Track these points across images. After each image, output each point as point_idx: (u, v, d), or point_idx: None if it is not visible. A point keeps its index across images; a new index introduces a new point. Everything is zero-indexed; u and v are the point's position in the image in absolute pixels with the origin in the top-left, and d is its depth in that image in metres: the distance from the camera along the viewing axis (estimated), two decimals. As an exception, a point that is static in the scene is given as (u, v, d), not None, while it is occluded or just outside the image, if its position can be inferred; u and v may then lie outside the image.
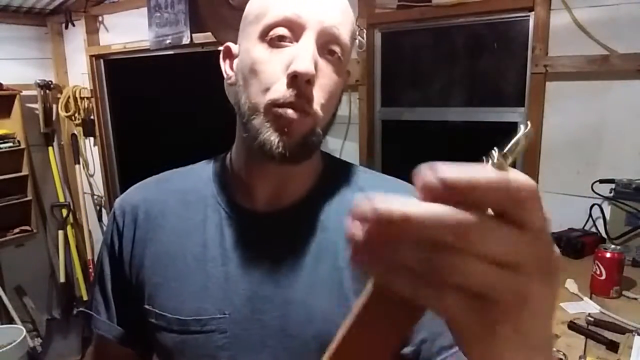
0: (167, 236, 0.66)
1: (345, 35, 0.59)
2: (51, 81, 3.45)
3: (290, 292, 0.61)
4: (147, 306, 0.65)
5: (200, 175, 0.70)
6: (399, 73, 2.38)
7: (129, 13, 3.05)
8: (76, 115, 3.45)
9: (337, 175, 0.68)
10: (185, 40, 2.67)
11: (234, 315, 0.61)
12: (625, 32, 1.68)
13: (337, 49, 0.59)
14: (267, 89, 0.56)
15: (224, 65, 0.65)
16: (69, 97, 3.42)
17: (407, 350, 0.59)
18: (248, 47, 0.59)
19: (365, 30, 2.24)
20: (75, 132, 3.53)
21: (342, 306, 0.60)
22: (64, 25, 3.38)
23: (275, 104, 0.56)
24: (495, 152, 0.25)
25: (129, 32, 3.07)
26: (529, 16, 1.89)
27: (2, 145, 3.13)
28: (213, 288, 0.62)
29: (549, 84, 1.87)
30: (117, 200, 0.72)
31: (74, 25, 3.30)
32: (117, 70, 3.37)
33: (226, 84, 0.66)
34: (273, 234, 0.64)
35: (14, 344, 2.66)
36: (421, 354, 0.58)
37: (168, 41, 2.76)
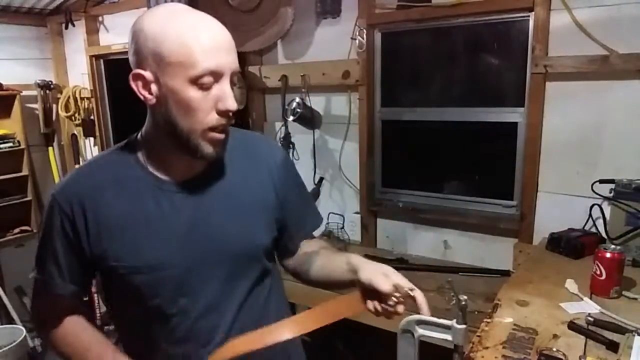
0: (115, 211, 0.88)
1: (237, 64, 0.86)
2: (51, 81, 3.46)
3: (212, 226, 0.92)
4: (114, 263, 0.88)
5: (119, 160, 0.93)
6: (398, 73, 2.38)
7: (129, 13, 3.05)
8: (76, 115, 3.46)
9: (231, 142, 0.92)
10: (185, 41, 2.66)
11: (179, 253, 0.90)
12: (625, 32, 1.68)
13: (237, 78, 0.87)
14: (203, 119, 0.83)
15: (137, 87, 0.85)
16: (69, 97, 3.43)
17: (268, 240, 0.99)
18: (177, 87, 0.81)
19: (365, 30, 2.24)
20: (75, 132, 3.53)
21: (246, 225, 0.95)
22: (64, 25, 3.39)
23: (211, 129, 0.84)
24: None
25: (129, 32, 3.06)
26: (529, 16, 1.89)
27: (2, 145, 3.13)
28: (161, 239, 0.89)
29: (549, 84, 1.87)
30: (56, 195, 0.90)
31: (74, 25, 3.30)
32: (117, 71, 3.37)
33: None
34: (191, 193, 0.92)
35: (14, 344, 2.66)
36: (288, 241, 1.06)
37: (168, 41, 2.76)
